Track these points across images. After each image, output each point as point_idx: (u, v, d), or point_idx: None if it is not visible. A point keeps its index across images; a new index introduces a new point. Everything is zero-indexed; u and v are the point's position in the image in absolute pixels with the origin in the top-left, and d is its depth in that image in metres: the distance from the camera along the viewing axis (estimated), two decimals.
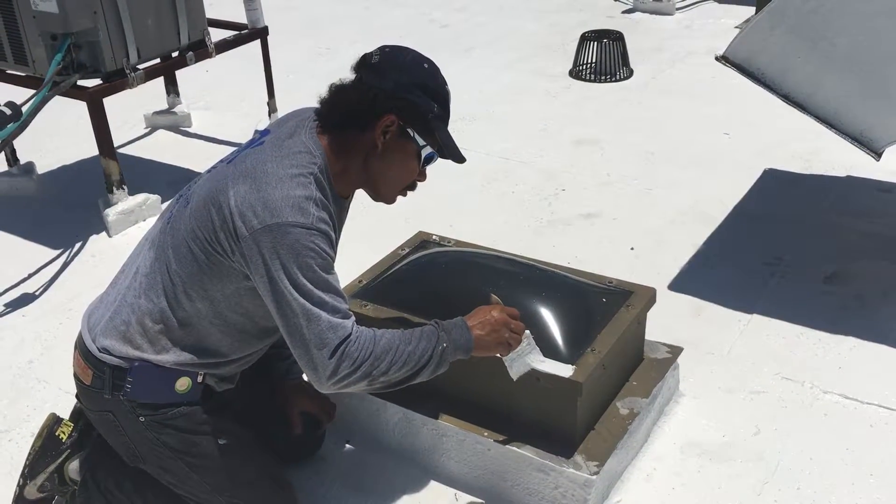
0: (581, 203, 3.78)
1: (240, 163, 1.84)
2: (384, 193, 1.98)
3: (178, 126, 4.80)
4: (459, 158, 1.93)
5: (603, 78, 5.19)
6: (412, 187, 2.00)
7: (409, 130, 1.87)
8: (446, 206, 3.70)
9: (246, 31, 4.23)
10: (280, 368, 2.30)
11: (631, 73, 5.26)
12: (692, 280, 3.16)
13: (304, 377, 2.41)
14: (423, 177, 1.99)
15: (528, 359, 2.05)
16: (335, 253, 1.85)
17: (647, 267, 3.23)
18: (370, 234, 3.03)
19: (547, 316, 2.21)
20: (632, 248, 3.41)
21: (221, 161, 1.96)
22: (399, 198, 2.01)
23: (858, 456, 2.36)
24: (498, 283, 2.34)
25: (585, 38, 5.25)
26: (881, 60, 2.66)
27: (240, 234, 1.75)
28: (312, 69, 5.55)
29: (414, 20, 6.56)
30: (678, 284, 3.14)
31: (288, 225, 1.73)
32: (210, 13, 4.04)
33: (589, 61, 5.23)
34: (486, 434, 2.22)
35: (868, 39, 2.62)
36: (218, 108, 5.06)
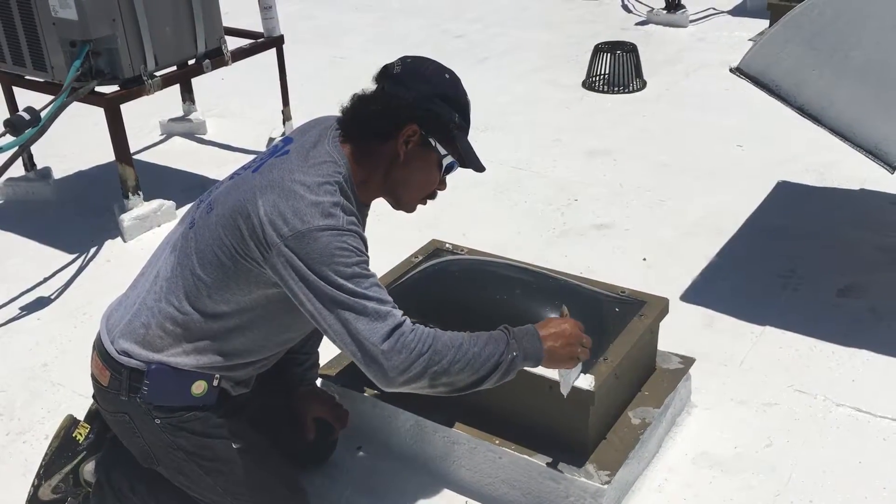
0: (594, 213, 3.78)
1: (266, 172, 1.85)
2: (405, 202, 1.99)
3: (194, 133, 4.83)
4: (480, 167, 1.95)
5: (616, 89, 5.19)
6: (433, 196, 2.01)
7: (430, 140, 1.89)
8: (459, 214, 3.71)
9: (262, 39, 4.26)
10: (295, 374, 2.31)
11: (644, 84, 5.27)
12: (705, 291, 3.16)
13: (324, 389, 2.45)
14: (443, 186, 2.00)
15: (577, 375, 2.02)
16: (368, 255, 1.84)
17: (660, 277, 3.23)
18: (383, 242, 3.02)
19: None
20: (644, 259, 3.41)
21: (244, 168, 1.97)
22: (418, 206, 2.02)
23: (871, 469, 2.35)
24: (510, 292, 2.35)
25: (599, 50, 5.26)
26: None
27: (270, 241, 1.76)
28: (327, 78, 5.58)
29: (428, 31, 6.59)
30: (691, 295, 3.14)
31: (318, 229, 1.74)
32: (227, 22, 4.07)
33: (602, 72, 5.24)
34: (497, 442, 2.23)
35: (884, 53, 2.62)
36: (233, 116, 5.09)
